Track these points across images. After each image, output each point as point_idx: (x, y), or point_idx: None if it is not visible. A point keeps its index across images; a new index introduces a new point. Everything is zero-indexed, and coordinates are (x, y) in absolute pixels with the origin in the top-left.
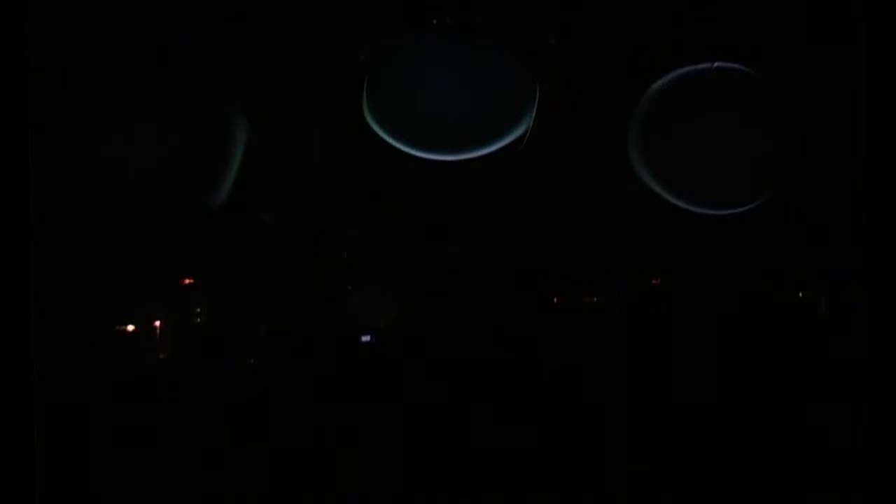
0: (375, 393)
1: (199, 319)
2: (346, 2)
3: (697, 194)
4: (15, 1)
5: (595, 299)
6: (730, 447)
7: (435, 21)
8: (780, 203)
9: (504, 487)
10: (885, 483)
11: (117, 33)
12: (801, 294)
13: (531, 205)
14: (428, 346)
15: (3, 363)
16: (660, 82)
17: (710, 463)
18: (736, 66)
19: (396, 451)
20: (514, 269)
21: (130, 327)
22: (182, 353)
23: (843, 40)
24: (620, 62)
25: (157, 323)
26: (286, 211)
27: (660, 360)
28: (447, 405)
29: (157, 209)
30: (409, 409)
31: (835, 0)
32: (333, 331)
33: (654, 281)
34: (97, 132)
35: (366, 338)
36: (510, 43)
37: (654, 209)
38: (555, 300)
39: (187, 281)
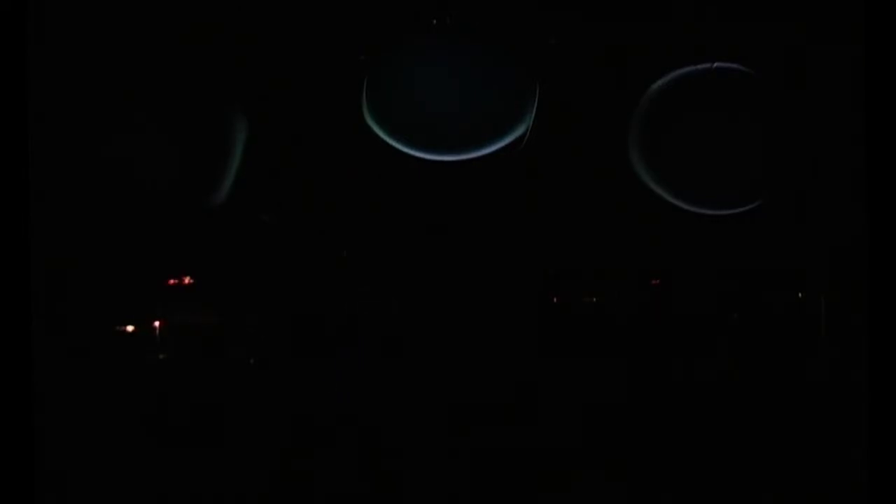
0: (373, 394)
1: (198, 319)
2: (347, 2)
3: (697, 194)
4: (15, 1)
5: (595, 299)
6: (729, 447)
7: (435, 21)
8: (780, 203)
9: (504, 488)
10: (886, 483)
11: (117, 33)
12: (800, 294)
13: (531, 205)
14: (428, 345)
15: (3, 363)
16: (660, 82)
17: (710, 463)
18: (736, 66)
19: (398, 451)
20: (514, 269)
21: (130, 327)
22: (182, 353)
23: (843, 40)
24: (620, 62)
25: (157, 323)
26: (286, 211)
27: (659, 360)
28: (448, 405)
29: (157, 209)
30: (409, 410)
31: (835, 0)
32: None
33: (654, 281)
34: (97, 132)
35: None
36: (510, 43)
37: (654, 209)
38: (555, 300)
39: (187, 281)
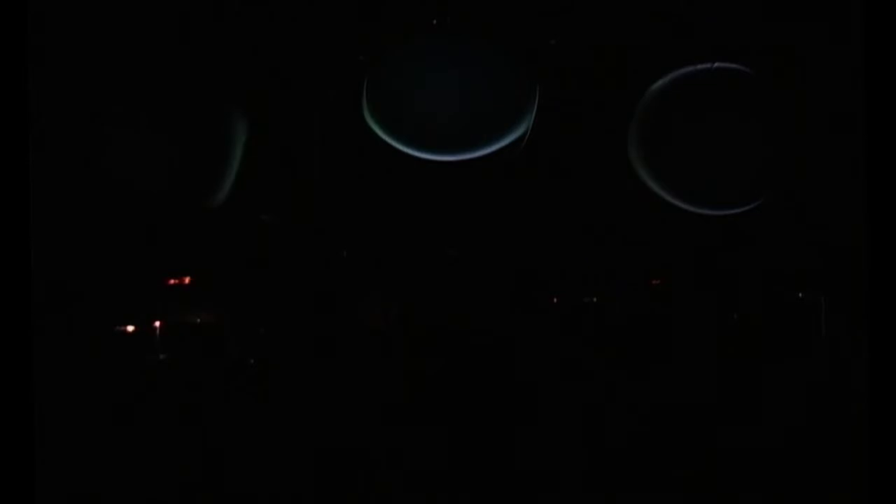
0: (374, 394)
1: (198, 320)
2: (347, 2)
3: (697, 194)
4: (15, 1)
5: (595, 299)
6: (729, 448)
7: (435, 21)
8: (780, 203)
9: (503, 489)
10: (886, 483)
11: (117, 32)
12: (800, 294)
13: (531, 205)
14: (428, 345)
15: (3, 363)
16: (660, 82)
17: (709, 464)
18: (736, 66)
19: (397, 453)
20: (514, 270)
21: (130, 327)
22: (182, 353)
23: (843, 40)
24: (619, 63)
25: (157, 323)
26: (286, 211)
27: (660, 361)
28: (445, 405)
29: (157, 209)
30: (409, 411)
31: (834, 0)
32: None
33: (653, 281)
34: (97, 132)
35: None
36: (510, 43)
37: (654, 209)
38: (554, 300)
39: (187, 281)
